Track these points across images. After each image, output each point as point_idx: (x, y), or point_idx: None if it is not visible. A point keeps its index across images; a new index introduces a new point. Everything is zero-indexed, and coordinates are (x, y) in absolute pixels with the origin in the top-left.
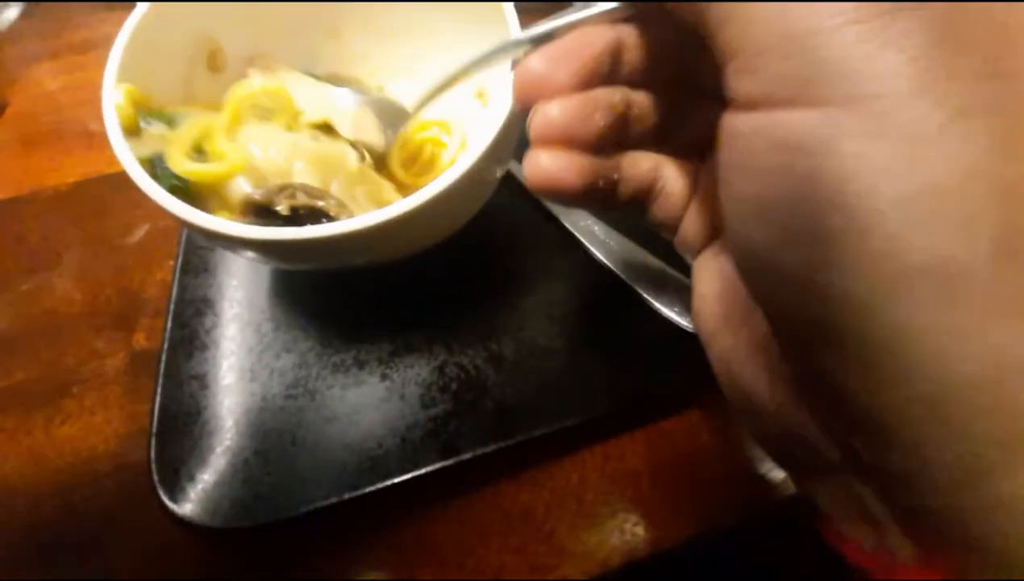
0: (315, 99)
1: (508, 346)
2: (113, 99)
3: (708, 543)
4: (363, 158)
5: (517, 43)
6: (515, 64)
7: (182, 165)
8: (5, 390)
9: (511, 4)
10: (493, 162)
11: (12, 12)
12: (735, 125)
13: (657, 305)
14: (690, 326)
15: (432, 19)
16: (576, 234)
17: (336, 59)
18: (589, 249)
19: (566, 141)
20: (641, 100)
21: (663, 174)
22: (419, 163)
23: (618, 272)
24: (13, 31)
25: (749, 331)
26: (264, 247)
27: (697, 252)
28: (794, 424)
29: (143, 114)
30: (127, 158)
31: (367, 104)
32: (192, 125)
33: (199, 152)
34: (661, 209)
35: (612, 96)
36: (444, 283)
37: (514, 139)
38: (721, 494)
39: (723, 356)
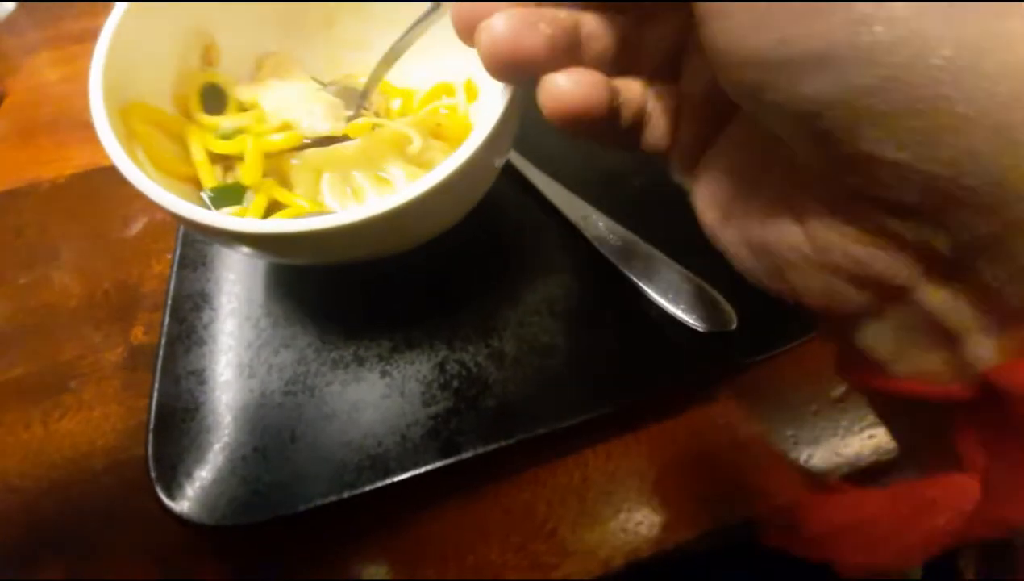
0: (286, 102)
1: (509, 342)
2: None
3: (712, 542)
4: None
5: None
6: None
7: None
8: (3, 385)
9: None
10: (492, 153)
11: (9, 5)
12: None
13: (662, 301)
14: (695, 323)
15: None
16: (578, 227)
17: (330, 49)
18: (594, 244)
19: (513, 53)
20: (590, 20)
21: (650, 95)
22: (442, 132)
23: (621, 267)
24: (11, 21)
25: (768, 188)
26: (256, 241)
27: (696, 162)
28: (845, 259)
29: (216, 197)
30: (116, 152)
31: (322, 92)
32: (259, 199)
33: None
34: (652, 134)
35: (556, 11)
36: (444, 277)
37: (514, 128)
38: (725, 494)
39: (742, 230)
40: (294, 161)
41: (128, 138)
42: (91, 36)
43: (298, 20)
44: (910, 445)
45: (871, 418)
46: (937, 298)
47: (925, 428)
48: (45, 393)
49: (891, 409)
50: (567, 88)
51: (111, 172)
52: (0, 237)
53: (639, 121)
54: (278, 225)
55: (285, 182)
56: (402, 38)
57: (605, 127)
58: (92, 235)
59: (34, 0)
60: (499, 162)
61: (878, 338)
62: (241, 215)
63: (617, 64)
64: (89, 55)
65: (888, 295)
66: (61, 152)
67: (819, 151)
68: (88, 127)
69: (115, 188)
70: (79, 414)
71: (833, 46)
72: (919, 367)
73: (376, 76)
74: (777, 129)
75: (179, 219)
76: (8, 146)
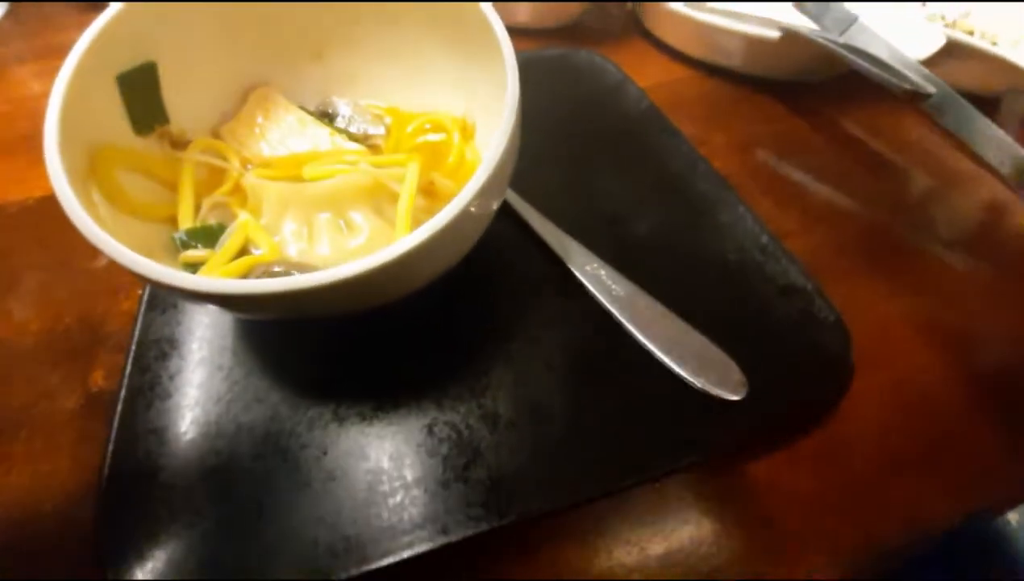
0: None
1: (504, 403)
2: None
3: None
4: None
5: None
6: None
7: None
8: None
9: (501, 24)
10: (488, 197)
11: None
12: None
13: (667, 361)
14: (703, 387)
15: (417, 41)
16: (581, 278)
17: (320, 81)
18: (595, 295)
19: None
20: None
21: None
22: (435, 190)
23: (625, 323)
24: None
25: None
26: (223, 300)
27: None
28: None
29: (188, 240)
30: (68, 198)
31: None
32: (233, 240)
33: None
34: None
35: None
36: (434, 328)
37: (510, 169)
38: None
39: None
40: (267, 191)
41: (85, 181)
42: None
43: (287, 52)
44: None
45: (901, 504)
46: None
47: None
48: None
49: None
50: None
51: None
52: None
53: None
54: (243, 286)
55: (256, 207)
56: None
57: None
58: (57, 264)
59: (24, 0)
60: (496, 204)
61: None
62: (209, 261)
63: None
64: None
65: None
66: (34, 171)
67: None
68: None
69: None
70: (27, 468)
71: None
72: None
73: None
74: None
75: (141, 278)
76: None
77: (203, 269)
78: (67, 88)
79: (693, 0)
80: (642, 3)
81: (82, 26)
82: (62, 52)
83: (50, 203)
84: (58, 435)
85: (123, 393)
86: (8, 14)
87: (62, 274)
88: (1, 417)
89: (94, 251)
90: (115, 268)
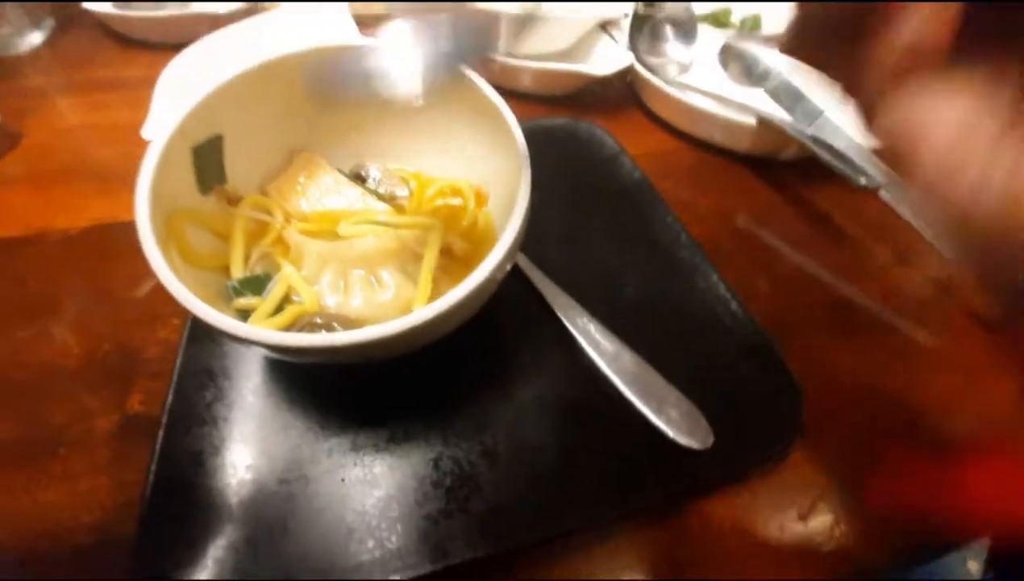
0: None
1: (502, 441)
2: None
3: None
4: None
5: None
6: None
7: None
8: None
9: (514, 118)
10: (503, 266)
11: (36, 37)
12: None
13: (646, 411)
14: (675, 437)
15: (442, 120)
16: (572, 331)
17: (356, 147)
18: (585, 348)
19: None
20: None
21: None
22: (453, 250)
23: (610, 374)
24: (36, 56)
25: None
26: (283, 350)
27: None
28: None
29: (240, 288)
30: (160, 265)
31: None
32: (278, 290)
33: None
34: None
35: None
36: (443, 371)
37: (521, 241)
38: None
39: None
40: (309, 248)
41: (166, 243)
42: (120, 86)
43: (330, 124)
44: None
45: (835, 541)
46: None
47: None
48: (32, 458)
49: None
50: None
51: (125, 228)
52: (2, 285)
53: None
54: (297, 339)
55: (298, 259)
56: None
57: None
58: (98, 292)
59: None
60: (509, 265)
61: None
62: (259, 309)
63: None
64: (114, 105)
65: None
66: (76, 202)
67: None
68: (106, 179)
69: (127, 245)
70: (65, 484)
71: None
72: None
73: None
74: None
75: (202, 323)
76: (20, 190)
77: (253, 317)
78: (157, 164)
79: (682, 83)
80: (639, 79)
81: (122, 63)
82: (103, 88)
83: (91, 234)
84: (95, 454)
85: (165, 419)
86: (47, 44)
87: (102, 302)
88: (41, 434)
89: (133, 281)
90: (153, 299)
